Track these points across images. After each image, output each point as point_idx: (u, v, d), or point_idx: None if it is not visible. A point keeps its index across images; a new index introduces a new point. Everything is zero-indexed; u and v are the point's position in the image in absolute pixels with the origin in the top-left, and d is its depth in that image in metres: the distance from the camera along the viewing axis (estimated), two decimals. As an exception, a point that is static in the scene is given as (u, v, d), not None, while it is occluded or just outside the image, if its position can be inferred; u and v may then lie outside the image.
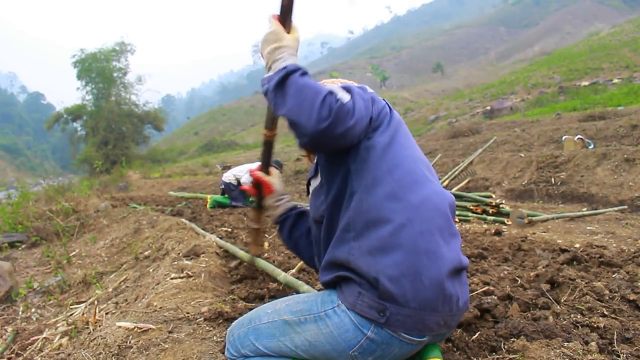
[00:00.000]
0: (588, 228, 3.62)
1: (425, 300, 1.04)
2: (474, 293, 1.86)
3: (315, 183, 1.33)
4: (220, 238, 3.71)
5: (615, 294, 1.74)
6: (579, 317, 1.54)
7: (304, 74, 1.11)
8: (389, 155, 1.16)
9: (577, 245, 2.79)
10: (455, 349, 1.42)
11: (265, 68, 1.20)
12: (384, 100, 1.28)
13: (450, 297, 1.08)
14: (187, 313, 1.80)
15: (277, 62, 1.16)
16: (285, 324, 1.17)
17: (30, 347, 2.25)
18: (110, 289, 2.92)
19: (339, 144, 1.10)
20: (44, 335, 2.32)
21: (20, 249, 5.36)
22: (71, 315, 2.55)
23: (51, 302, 3.11)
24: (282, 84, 1.11)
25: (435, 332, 1.09)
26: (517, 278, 2.07)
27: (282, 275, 2.26)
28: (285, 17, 1.24)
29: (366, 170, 1.14)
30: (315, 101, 1.04)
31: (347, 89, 1.13)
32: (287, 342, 1.16)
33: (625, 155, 5.29)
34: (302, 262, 2.18)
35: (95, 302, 2.62)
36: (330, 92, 1.05)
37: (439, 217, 1.12)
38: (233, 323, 1.33)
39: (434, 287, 1.05)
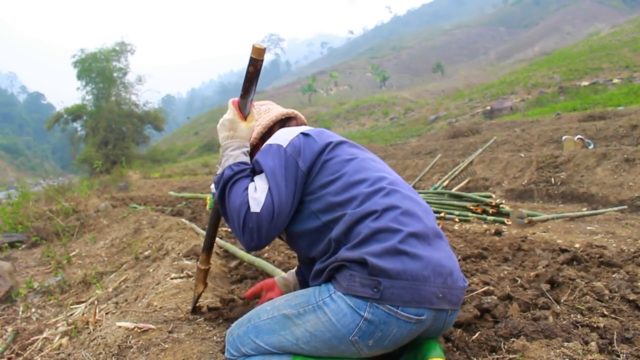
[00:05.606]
0: (588, 228, 3.62)
1: (413, 270, 1.07)
2: (474, 293, 1.86)
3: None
4: (220, 238, 3.71)
5: (615, 294, 1.73)
6: (579, 317, 1.54)
7: (237, 180, 1.26)
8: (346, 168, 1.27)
9: (577, 245, 2.79)
10: (455, 349, 1.42)
11: (219, 156, 1.38)
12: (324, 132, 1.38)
13: (440, 267, 1.11)
14: (187, 313, 1.80)
15: (224, 158, 1.34)
16: (285, 318, 1.18)
17: (30, 347, 2.25)
18: (110, 289, 2.92)
19: (279, 231, 1.24)
20: (44, 335, 2.32)
21: (20, 249, 5.36)
22: (71, 315, 2.55)
23: (51, 302, 3.11)
24: (222, 195, 1.28)
25: (434, 305, 1.09)
26: (517, 278, 2.07)
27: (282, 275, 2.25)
28: (245, 97, 1.32)
29: (326, 198, 1.23)
30: (239, 227, 1.20)
31: (265, 172, 1.23)
32: (287, 335, 1.16)
33: (625, 155, 5.28)
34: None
35: (95, 302, 2.62)
36: (247, 209, 1.18)
37: (406, 200, 1.20)
38: (233, 324, 1.33)
39: (419, 258, 1.09)
